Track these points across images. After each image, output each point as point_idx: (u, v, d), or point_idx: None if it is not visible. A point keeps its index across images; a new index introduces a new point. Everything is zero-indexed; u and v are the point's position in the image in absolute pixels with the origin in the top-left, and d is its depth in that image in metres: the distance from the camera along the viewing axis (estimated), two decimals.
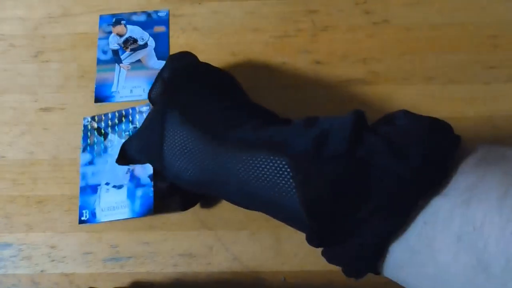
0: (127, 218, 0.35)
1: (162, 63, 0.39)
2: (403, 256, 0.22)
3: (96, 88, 0.39)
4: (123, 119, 0.37)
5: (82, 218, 0.35)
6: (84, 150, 0.37)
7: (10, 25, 0.41)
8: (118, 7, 0.41)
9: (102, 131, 0.37)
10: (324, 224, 0.23)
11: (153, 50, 0.40)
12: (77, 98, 0.39)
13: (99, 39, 0.40)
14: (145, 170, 0.35)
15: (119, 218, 0.35)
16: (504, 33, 0.39)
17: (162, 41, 0.40)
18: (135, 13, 0.41)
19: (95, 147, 0.37)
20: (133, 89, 0.39)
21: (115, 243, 0.35)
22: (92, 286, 0.34)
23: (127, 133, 0.37)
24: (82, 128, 0.37)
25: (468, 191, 0.20)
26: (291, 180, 0.23)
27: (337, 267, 0.24)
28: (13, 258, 0.35)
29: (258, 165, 0.24)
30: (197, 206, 0.35)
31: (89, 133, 0.37)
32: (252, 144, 0.25)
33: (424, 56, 0.39)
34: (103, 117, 0.38)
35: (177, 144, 0.27)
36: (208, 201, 0.35)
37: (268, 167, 0.24)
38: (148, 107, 0.37)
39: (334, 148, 0.22)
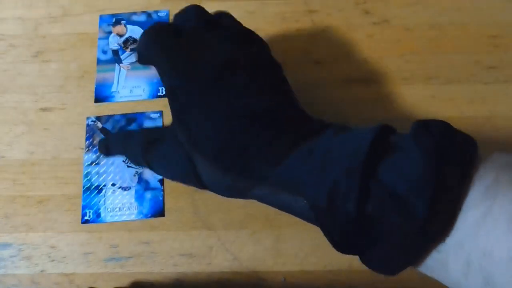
0: (135, 220, 0.35)
1: None
2: (422, 273, 0.23)
3: (96, 88, 0.39)
4: (131, 122, 0.37)
5: (86, 218, 0.35)
6: (88, 149, 0.37)
7: (10, 25, 0.41)
8: (118, 7, 0.41)
9: (109, 132, 0.37)
10: (346, 250, 0.24)
11: None
12: (77, 98, 0.39)
13: (99, 39, 0.40)
14: (154, 174, 0.35)
15: (126, 220, 0.35)
16: (504, 33, 0.39)
17: None
18: (135, 13, 0.41)
19: None
20: (133, 89, 0.39)
21: (115, 243, 0.35)
22: (92, 286, 0.34)
23: None
24: (86, 128, 0.37)
25: (478, 222, 0.20)
26: (313, 217, 0.25)
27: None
28: (13, 258, 0.35)
29: (280, 200, 0.26)
30: (197, 206, 0.35)
31: (93, 133, 0.37)
32: (274, 184, 0.26)
33: (424, 56, 0.39)
34: (109, 119, 0.38)
35: (210, 181, 0.29)
36: (208, 201, 0.35)
37: (290, 204, 0.26)
38: (158, 114, 0.37)
39: (343, 204, 0.23)
